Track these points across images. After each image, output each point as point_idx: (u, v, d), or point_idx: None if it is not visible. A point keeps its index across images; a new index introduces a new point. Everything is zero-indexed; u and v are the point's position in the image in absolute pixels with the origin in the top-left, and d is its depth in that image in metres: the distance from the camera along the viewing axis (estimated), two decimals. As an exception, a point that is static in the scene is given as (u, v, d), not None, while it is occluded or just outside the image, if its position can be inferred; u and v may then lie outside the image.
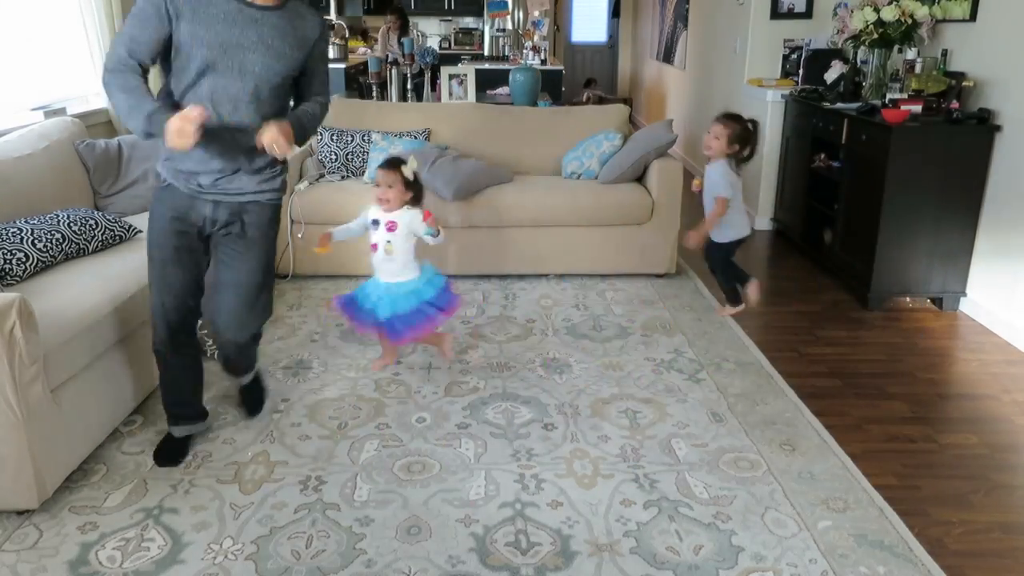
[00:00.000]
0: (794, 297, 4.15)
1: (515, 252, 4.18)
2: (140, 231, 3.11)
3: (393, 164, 2.91)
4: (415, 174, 2.92)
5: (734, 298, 3.73)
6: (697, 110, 7.29)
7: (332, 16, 7.41)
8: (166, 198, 2.31)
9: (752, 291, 3.67)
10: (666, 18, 8.89)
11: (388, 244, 2.93)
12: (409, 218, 2.93)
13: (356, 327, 3.11)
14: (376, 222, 2.95)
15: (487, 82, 6.51)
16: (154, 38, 2.12)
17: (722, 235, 3.56)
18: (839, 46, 4.89)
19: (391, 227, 2.92)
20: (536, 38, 7.51)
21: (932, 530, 2.24)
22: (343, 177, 4.38)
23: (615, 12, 11.81)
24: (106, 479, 2.41)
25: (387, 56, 7.05)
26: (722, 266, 3.67)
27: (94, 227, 2.91)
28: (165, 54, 2.17)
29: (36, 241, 2.68)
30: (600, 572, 2.03)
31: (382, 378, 3.09)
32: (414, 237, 2.96)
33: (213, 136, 2.20)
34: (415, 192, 2.95)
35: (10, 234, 2.64)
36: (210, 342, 3.16)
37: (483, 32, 9.09)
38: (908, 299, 4.05)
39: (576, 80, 10.70)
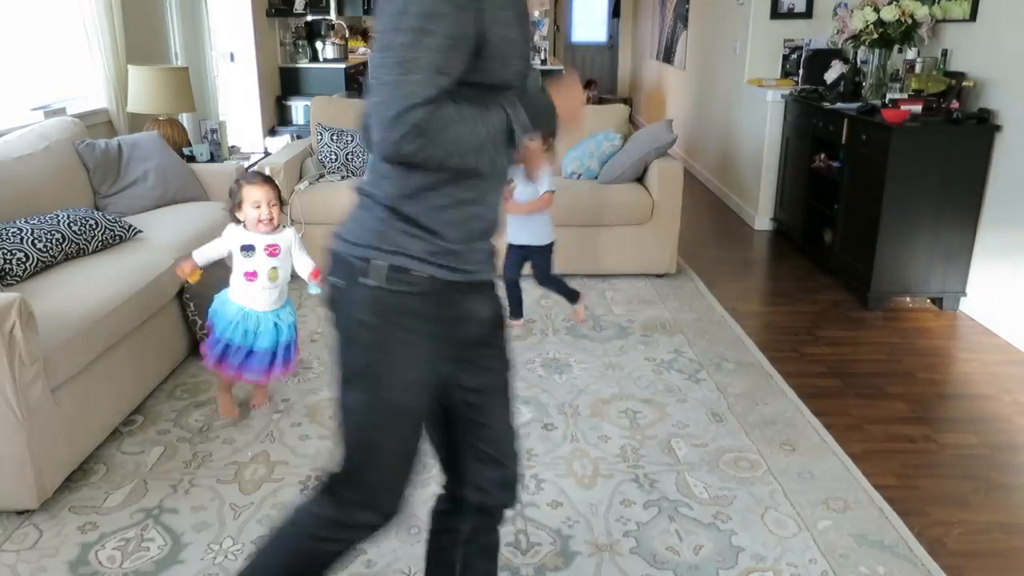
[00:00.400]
0: (794, 297, 4.15)
1: (515, 252, 4.17)
2: (140, 231, 3.12)
3: (269, 178, 2.61)
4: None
5: (575, 296, 3.57)
6: (697, 110, 7.29)
7: (332, 16, 7.41)
8: (426, 307, 1.33)
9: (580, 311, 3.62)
10: (666, 18, 8.89)
11: (273, 271, 2.59)
12: (288, 238, 2.63)
13: (235, 376, 2.66)
14: (250, 247, 2.56)
15: (487, 82, 6.50)
16: (467, 54, 1.24)
17: (546, 236, 3.38)
18: (839, 46, 4.89)
19: (273, 251, 2.58)
20: (536, 38, 7.51)
21: (932, 530, 2.24)
22: (343, 177, 4.38)
23: (615, 12, 11.81)
24: (106, 479, 2.41)
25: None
26: (550, 274, 3.49)
27: (94, 227, 2.91)
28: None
29: (36, 241, 2.68)
30: (600, 572, 2.03)
31: (382, 378, 3.08)
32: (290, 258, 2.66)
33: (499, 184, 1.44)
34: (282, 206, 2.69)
35: (10, 234, 2.64)
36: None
37: (483, 32, 9.08)
38: (908, 299, 4.05)
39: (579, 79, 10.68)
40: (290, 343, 2.68)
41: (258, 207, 2.54)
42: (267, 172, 2.77)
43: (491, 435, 1.49)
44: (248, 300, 2.60)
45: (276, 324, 2.63)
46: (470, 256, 1.36)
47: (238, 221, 2.60)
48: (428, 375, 1.36)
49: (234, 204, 2.59)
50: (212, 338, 2.63)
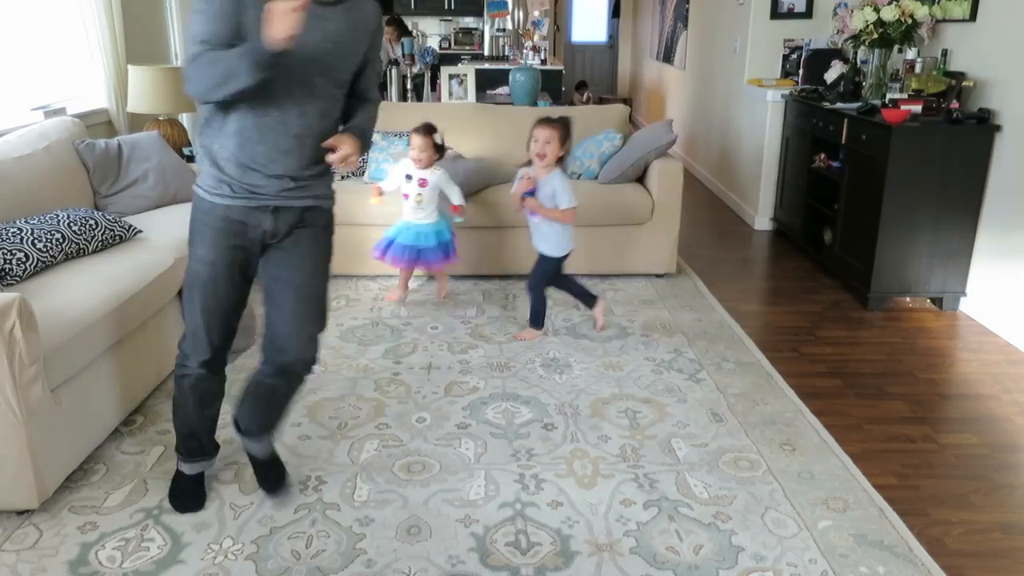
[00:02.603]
0: (794, 297, 4.15)
1: (515, 252, 4.18)
2: (140, 231, 3.12)
3: (428, 130, 3.58)
4: (441, 139, 3.60)
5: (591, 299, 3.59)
6: (697, 110, 7.29)
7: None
8: (213, 211, 2.02)
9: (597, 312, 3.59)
10: (666, 18, 8.89)
11: (419, 196, 3.62)
12: (436, 179, 3.62)
13: (390, 262, 3.72)
14: (409, 176, 3.60)
15: (487, 82, 6.51)
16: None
17: (555, 248, 3.40)
18: (839, 46, 4.89)
19: (423, 183, 3.60)
20: (536, 38, 7.51)
21: (932, 530, 2.24)
22: (343, 177, 4.38)
23: (615, 12, 11.81)
24: (106, 479, 2.41)
25: (387, 57, 7.04)
26: (543, 283, 3.48)
27: (94, 227, 2.91)
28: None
29: (36, 241, 2.68)
30: (600, 572, 2.03)
31: (382, 378, 3.09)
32: (438, 193, 3.66)
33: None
34: (440, 155, 3.63)
35: (10, 234, 2.64)
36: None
37: (483, 32, 9.09)
38: (908, 299, 4.05)
39: (575, 81, 10.69)
40: (447, 246, 3.73)
41: (413, 149, 3.60)
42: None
43: (279, 318, 2.12)
44: (404, 212, 3.70)
45: (420, 231, 3.66)
46: (244, 183, 1.99)
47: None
48: (217, 254, 2.04)
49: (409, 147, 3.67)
50: (384, 244, 3.72)
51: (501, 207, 4.09)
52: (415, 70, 6.33)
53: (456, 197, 3.66)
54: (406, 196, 3.64)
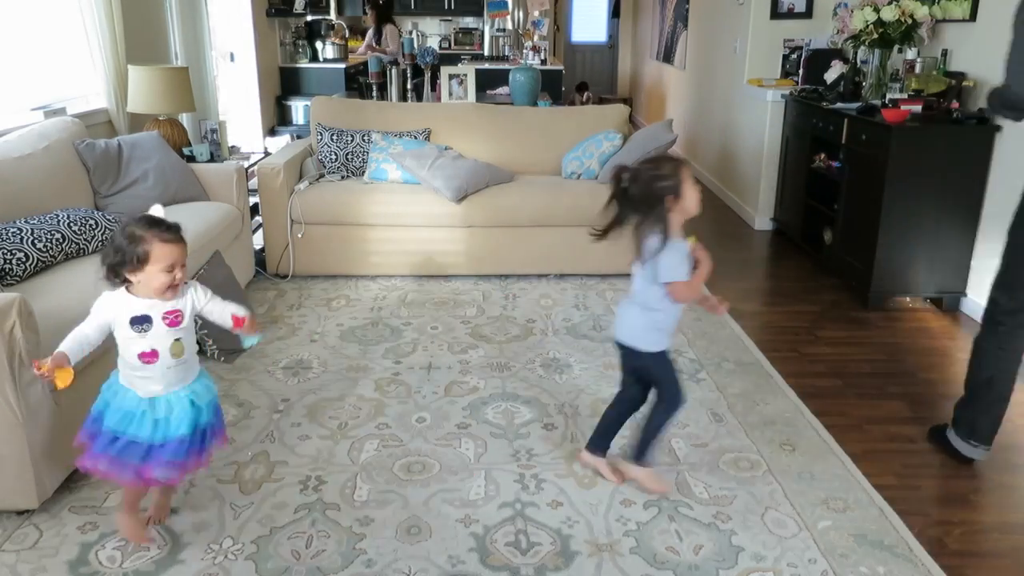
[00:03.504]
0: (794, 297, 4.15)
1: (515, 252, 4.18)
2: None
3: (178, 232, 1.92)
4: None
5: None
6: (697, 110, 7.29)
7: (332, 16, 7.41)
8: None
9: None
10: (666, 18, 8.89)
11: (176, 344, 1.94)
12: (192, 302, 1.99)
13: (141, 482, 2.00)
14: (145, 321, 1.91)
15: (487, 82, 6.52)
16: None
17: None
18: (839, 46, 4.89)
19: (175, 321, 1.94)
20: (536, 38, 7.51)
21: (932, 530, 2.24)
22: (343, 177, 4.38)
23: (615, 12, 11.82)
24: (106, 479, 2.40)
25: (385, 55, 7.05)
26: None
27: (94, 227, 2.91)
28: None
29: (36, 241, 2.68)
30: (600, 572, 2.03)
31: (382, 378, 3.09)
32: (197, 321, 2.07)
33: None
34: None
35: (10, 234, 2.64)
36: (210, 342, 3.16)
37: (483, 32, 9.09)
38: (908, 299, 4.05)
39: (576, 81, 10.69)
40: (212, 425, 2.07)
41: (171, 271, 1.89)
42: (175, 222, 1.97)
43: None
44: (133, 383, 1.96)
45: (193, 402, 1.99)
46: None
47: (122, 282, 1.91)
48: None
49: (131, 264, 1.87)
50: (102, 439, 1.96)
51: (502, 207, 4.09)
52: (410, 63, 6.32)
53: (232, 307, 2.04)
54: (148, 357, 1.91)
